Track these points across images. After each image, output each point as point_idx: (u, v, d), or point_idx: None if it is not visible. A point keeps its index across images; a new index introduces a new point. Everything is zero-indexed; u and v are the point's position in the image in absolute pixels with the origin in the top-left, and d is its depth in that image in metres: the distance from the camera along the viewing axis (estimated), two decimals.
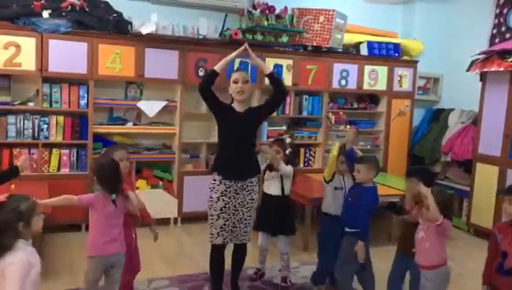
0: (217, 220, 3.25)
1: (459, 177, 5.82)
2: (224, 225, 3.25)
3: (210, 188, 3.29)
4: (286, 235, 3.73)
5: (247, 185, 3.28)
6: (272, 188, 3.70)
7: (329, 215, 3.54)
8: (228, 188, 3.24)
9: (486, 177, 5.11)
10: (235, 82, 3.25)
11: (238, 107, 3.30)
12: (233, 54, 3.32)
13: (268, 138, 5.46)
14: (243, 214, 3.29)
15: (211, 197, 3.26)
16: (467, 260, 4.27)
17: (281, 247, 3.75)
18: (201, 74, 5.04)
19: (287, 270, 3.78)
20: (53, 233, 4.50)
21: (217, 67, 3.23)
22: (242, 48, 3.33)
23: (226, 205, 3.24)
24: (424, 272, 2.82)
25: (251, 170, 3.32)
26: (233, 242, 3.35)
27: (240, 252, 3.45)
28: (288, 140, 3.87)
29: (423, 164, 6.16)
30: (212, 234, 3.28)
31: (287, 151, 3.65)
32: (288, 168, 3.61)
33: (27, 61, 4.43)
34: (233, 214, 3.26)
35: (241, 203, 3.27)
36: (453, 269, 4.13)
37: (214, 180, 3.27)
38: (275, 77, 3.34)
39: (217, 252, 3.33)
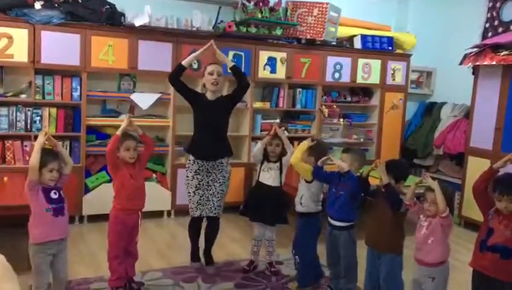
0: (194, 196, 3.68)
1: (451, 170, 5.87)
2: (200, 199, 3.67)
3: (186, 167, 3.74)
4: (283, 223, 3.80)
5: (218, 165, 3.67)
6: (271, 179, 3.74)
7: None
8: (201, 167, 3.65)
9: (478, 170, 5.03)
10: (211, 74, 3.60)
11: (210, 96, 3.67)
12: (201, 50, 3.64)
13: (262, 130, 5.47)
14: (215, 188, 3.67)
15: (187, 176, 3.71)
16: (457, 252, 4.31)
17: (271, 234, 3.84)
18: (194, 66, 5.03)
19: (273, 255, 3.89)
20: None
21: (185, 62, 3.58)
22: (208, 44, 3.63)
23: (200, 182, 3.66)
24: (427, 269, 2.76)
25: (221, 151, 3.71)
26: (208, 215, 3.70)
27: (212, 226, 3.83)
28: (285, 133, 3.93)
29: (415, 157, 6.21)
30: (191, 208, 3.71)
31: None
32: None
33: (19, 52, 4.40)
34: (207, 189, 3.67)
35: (213, 179, 3.67)
36: None
37: (189, 160, 3.70)
38: (238, 70, 3.72)
39: (195, 221, 3.79)
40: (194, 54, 3.63)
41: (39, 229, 2.78)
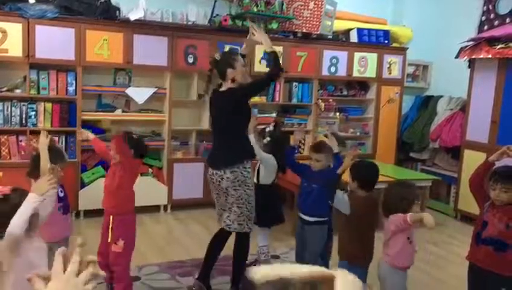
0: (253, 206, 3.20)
1: (447, 163, 5.89)
2: None
3: (245, 176, 3.09)
4: (260, 226, 3.66)
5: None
6: (257, 176, 3.67)
7: None
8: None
9: (473, 163, 5.07)
10: (244, 66, 3.25)
11: None
12: (250, 36, 3.36)
13: (258, 124, 5.45)
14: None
15: (249, 185, 3.12)
16: (452, 244, 4.34)
17: (260, 238, 3.72)
18: (190, 60, 5.02)
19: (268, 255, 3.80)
20: None
21: (243, 51, 3.42)
22: (251, 27, 3.38)
23: None
24: (402, 273, 2.72)
25: None
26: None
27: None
28: (268, 128, 3.83)
29: (412, 151, 6.22)
30: (250, 220, 3.17)
31: (264, 141, 3.62)
32: (266, 156, 3.56)
33: (14, 47, 4.37)
34: None
35: None
36: (438, 253, 4.21)
37: (245, 167, 3.10)
38: (277, 56, 3.30)
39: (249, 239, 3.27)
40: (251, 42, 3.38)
41: (51, 229, 2.64)
